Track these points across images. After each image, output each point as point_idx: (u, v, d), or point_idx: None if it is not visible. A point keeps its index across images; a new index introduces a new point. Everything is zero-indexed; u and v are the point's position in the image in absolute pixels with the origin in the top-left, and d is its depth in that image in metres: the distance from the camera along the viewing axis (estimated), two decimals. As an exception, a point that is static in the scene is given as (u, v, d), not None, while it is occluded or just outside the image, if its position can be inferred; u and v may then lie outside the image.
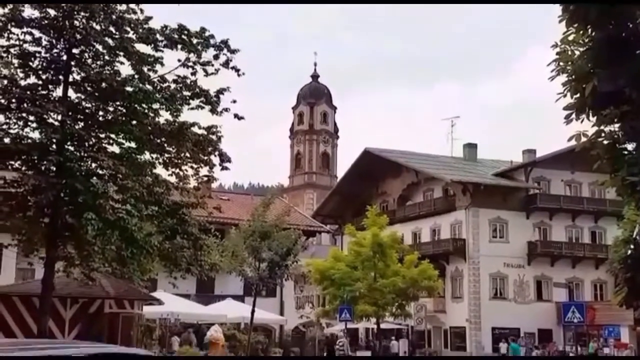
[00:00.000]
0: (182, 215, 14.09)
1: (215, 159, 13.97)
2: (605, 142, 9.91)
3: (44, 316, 13.50)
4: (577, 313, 17.79)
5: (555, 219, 45.83)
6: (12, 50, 12.81)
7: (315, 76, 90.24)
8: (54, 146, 12.70)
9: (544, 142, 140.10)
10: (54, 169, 12.60)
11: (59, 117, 12.63)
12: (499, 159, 51.92)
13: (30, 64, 12.89)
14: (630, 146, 9.81)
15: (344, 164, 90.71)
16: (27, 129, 12.93)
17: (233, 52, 13.30)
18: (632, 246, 11.33)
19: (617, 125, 9.84)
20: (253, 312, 20.85)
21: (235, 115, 13.47)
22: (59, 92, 13.10)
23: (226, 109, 13.43)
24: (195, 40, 13.11)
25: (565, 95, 9.98)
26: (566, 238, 46.15)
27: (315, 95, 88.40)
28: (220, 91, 13.34)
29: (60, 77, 13.10)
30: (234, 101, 13.37)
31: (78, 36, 12.74)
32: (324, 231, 45.95)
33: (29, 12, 12.74)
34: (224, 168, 13.89)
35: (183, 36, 13.04)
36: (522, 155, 49.95)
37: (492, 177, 46.40)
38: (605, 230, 45.11)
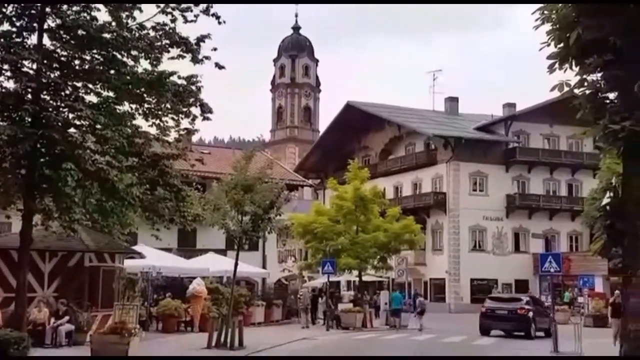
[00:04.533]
0: (163, 167, 13.99)
1: (196, 110, 13.81)
2: (588, 91, 9.93)
3: (22, 270, 13.42)
4: (554, 263, 18.07)
5: (534, 172, 46.34)
6: (-17, -4, 12.41)
7: (296, 28, 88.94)
8: (29, 95, 12.43)
9: (525, 96, 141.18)
10: (30, 119, 12.34)
11: (34, 66, 12.35)
12: (480, 113, 52.04)
13: (4, 10, 12.51)
14: (612, 95, 9.84)
15: (326, 118, 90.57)
16: (1, 78, 12.65)
17: None
18: (611, 194, 11.45)
19: (599, 74, 9.84)
20: (236, 265, 20.87)
21: (216, 64, 13.23)
22: (33, 39, 12.76)
23: (207, 57, 13.19)
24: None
25: (549, 45, 9.94)
26: (544, 191, 46.78)
27: (296, 48, 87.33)
28: (201, 39, 13.07)
29: (35, 24, 12.75)
30: (215, 49, 13.15)
31: (52, -19, 12.34)
32: (306, 185, 45.96)
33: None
34: (205, 118, 13.74)
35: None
36: (502, 109, 50.13)
37: (473, 131, 46.56)
38: (582, 183, 45.79)
